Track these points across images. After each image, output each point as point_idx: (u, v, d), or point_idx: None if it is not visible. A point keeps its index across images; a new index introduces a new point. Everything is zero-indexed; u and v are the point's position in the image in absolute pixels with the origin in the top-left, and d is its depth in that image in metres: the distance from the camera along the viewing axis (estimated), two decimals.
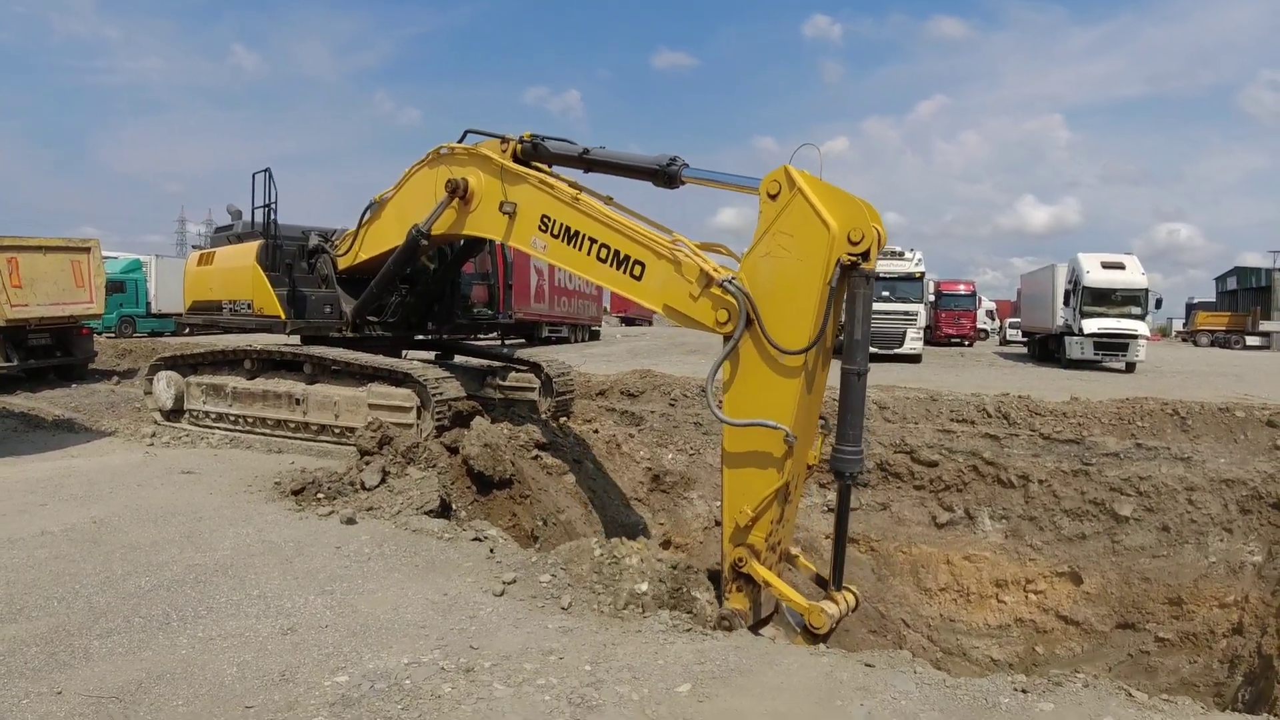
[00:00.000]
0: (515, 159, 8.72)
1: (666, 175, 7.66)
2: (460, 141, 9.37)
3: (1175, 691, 8.89)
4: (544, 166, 8.68)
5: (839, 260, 5.82)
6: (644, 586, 5.71)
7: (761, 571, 6.42)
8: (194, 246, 14.32)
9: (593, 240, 7.67)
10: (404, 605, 5.19)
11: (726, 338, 6.44)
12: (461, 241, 11.02)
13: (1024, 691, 4.13)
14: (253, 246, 11.61)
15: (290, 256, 11.51)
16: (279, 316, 11.15)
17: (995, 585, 11.50)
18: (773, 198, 6.14)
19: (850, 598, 6.57)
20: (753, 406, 6.30)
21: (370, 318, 11.41)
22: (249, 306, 11.58)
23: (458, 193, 9.06)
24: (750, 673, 4.39)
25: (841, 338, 6.29)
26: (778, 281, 6.17)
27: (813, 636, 6.16)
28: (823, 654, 4.86)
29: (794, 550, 7.41)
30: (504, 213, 8.53)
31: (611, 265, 7.50)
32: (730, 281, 6.40)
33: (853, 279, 5.92)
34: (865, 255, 5.84)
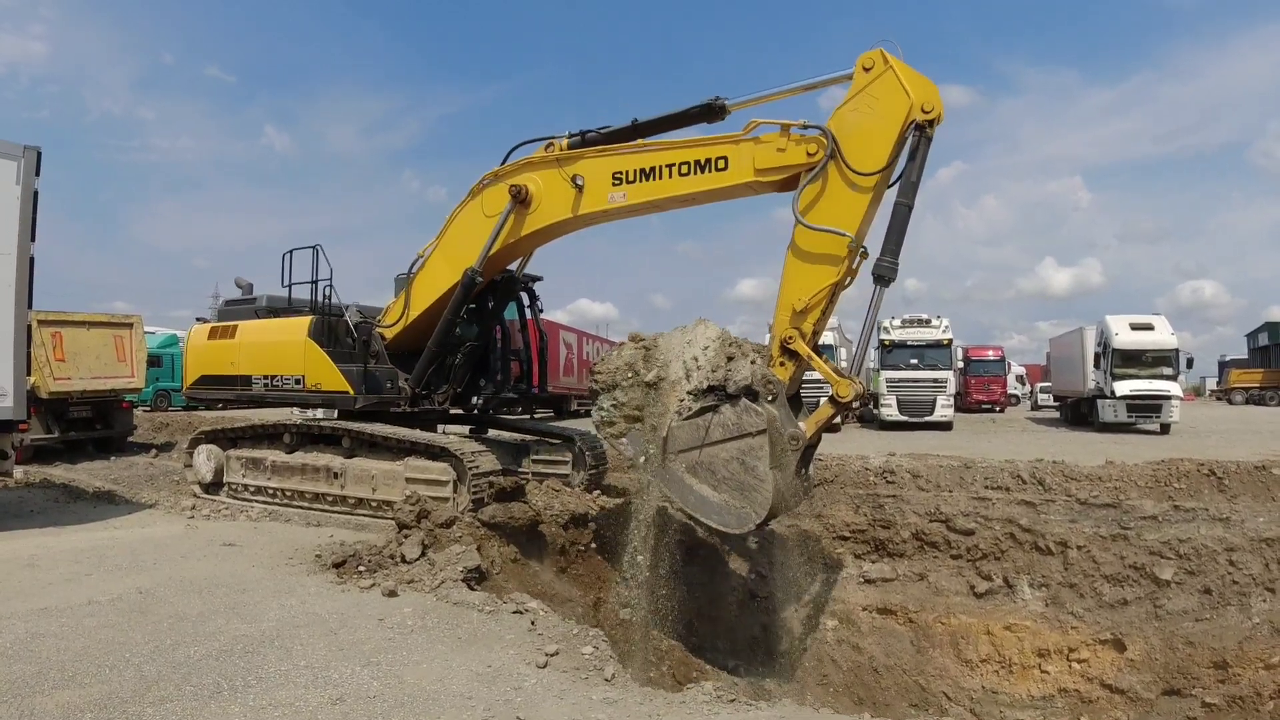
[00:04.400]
0: None
1: (715, 109, 9.05)
2: (505, 160, 10.34)
3: None
4: None
5: (913, 120, 7.63)
6: None
7: (804, 349, 7.89)
8: (198, 319, 14.24)
9: (670, 165, 9.00)
10: (449, 676, 5.24)
11: (810, 169, 8.01)
12: (493, 301, 11.74)
13: None
14: (303, 322, 11.71)
15: (340, 332, 11.70)
16: (346, 392, 11.22)
17: (1038, 655, 11.26)
18: (866, 70, 7.83)
19: (860, 387, 7.87)
20: (828, 216, 7.87)
21: (421, 391, 11.52)
22: (298, 381, 11.65)
23: (519, 198, 9.93)
24: None
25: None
26: (861, 130, 7.86)
27: (835, 404, 7.86)
28: None
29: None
30: (575, 186, 9.60)
31: (696, 174, 8.87)
32: (810, 125, 8.13)
33: (917, 138, 7.69)
34: (932, 123, 7.65)
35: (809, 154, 8.08)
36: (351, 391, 11.20)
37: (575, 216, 9.81)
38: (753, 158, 8.49)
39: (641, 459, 8.59)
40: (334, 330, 11.68)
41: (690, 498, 8.13)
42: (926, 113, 7.62)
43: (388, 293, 12.69)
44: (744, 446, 7.80)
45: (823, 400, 8.01)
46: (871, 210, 8.01)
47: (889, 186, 7.97)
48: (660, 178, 9.06)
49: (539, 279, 12.43)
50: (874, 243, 8.17)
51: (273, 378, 12.01)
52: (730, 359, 8.15)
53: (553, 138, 9.99)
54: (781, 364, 8.01)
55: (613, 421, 8.86)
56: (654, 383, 8.56)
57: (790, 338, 7.94)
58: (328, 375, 11.35)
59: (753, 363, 7.99)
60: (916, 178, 7.77)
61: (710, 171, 8.76)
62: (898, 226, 7.76)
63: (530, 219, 10.11)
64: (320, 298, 11.70)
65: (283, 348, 11.92)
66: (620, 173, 9.33)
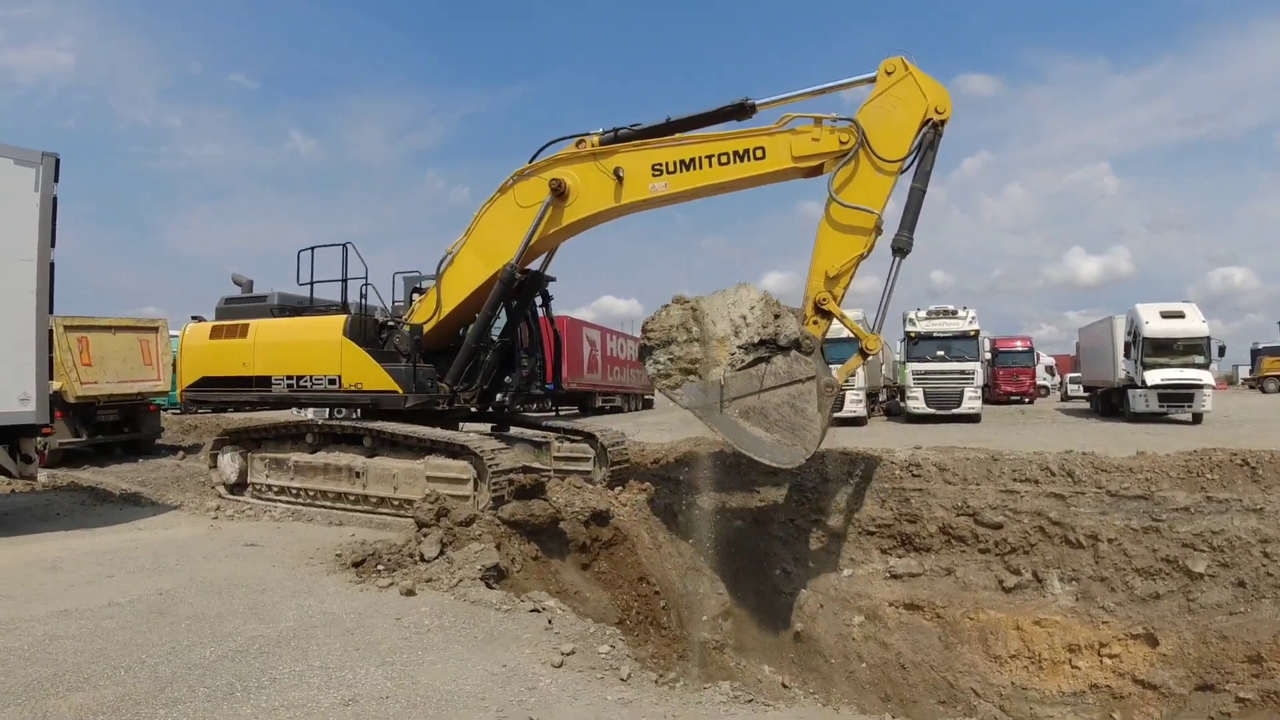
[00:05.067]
0: None
1: (746, 108, 9.85)
2: (535, 156, 10.77)
3: None
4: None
5: (929, 119, 9.08)
6: None
7: (836, 309, 9.24)
8: (194, 317, 13.70)
9: (709, 156, 9.85)
10: (463, 676, 5.19)
11: (841, 156, 9.25)
12: (517, 299, 11.78)
13: None
14: (337, 320, 11.48)
15: (371, 330, 11.57)
16: (394, 391, 11.01)
17: (1068, 650, 11.07)
18: (889, 74, 9.17)
19: (881, 342, 9.60)
20: (858, 195, 9.16)
21: (457, 388, 11.48)
22: (332, 381, 11.35)
23: (558, 191, 10.36)
24: None
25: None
26: (885, 125, 9.19)
27: (863, 355, 9.71)
28: None
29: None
30: (616, 178, 10.21)
31: (735, 163, 9.76)
32: (841, 118, 9.32)
33: (932, 134, 9.14)
34: (944, 122, 9.12)
35: (841, 142, 9.28)
36: (400, 391, 11.00)
37: (615, 206, 10.40)
38: (789, 146, 9.55)
39: (697, 406, 9.41)
40: (366, 329, 11.55)
41: (745, 439, 9.13)
42: (940, 113, 9.09)
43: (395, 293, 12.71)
44: (794, 391, 8.96)
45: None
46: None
47: (901, 173, 9.28)
48: (700, 168, 9.86)
49: (553, 279, 12.42)
50: (889, 229, 9.37)
51: (299, 378, 11.65)
52: (777, 316, 9.18)
53: (584, 135, 10.43)
54: (815, 322, 9.26)
55: (669, 374, 9.64)
56: (705, 339, 9.46)
57: (824, 299, 9.21)
58: (370, 375, 11.11)
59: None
60: (930, 166, 9.19)
61: (749, 160, 9.68)
62: (913, 207, 9.19)
63: (569, 211, 10.55)
64: (358, 296, 11.64)
65: (314, 347, 11.57)
66: (660, 164, 10.03)
